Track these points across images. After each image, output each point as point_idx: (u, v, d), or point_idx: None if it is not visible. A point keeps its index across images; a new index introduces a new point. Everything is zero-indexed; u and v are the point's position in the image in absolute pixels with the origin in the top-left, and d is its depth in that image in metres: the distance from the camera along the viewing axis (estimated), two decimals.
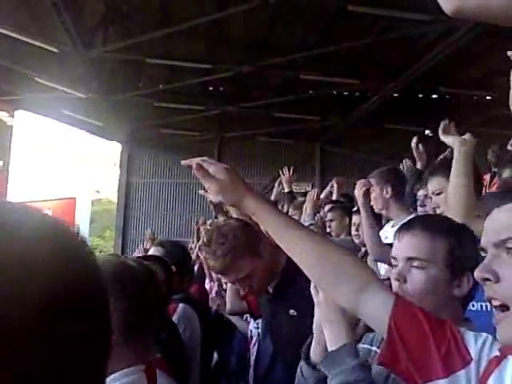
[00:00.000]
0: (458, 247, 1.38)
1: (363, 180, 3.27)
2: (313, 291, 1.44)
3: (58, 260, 0.50)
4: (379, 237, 3.04)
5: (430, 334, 1.09)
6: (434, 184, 2.58)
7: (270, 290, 2.30)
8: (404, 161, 5.11)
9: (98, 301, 0.54)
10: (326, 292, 1.34)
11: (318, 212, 4.39)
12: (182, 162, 1.41)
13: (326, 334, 1.40)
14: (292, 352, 1.70)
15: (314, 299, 1.44)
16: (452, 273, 1.37)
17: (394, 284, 1.41)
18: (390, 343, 1.12)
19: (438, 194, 2.51)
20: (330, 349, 1.37)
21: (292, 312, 2.11)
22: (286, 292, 2.19)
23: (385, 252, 2.23)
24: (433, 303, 1.34)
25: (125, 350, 1.33)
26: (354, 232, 3.89)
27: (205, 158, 1.44)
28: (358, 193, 3.16)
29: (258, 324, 3.26)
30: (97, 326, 0.53)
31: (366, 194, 3.19)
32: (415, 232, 1.41)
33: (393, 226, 3.31)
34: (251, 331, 3.40)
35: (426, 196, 3.20)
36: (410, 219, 1.64)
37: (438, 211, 2.52)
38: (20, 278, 0.46)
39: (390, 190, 3.31)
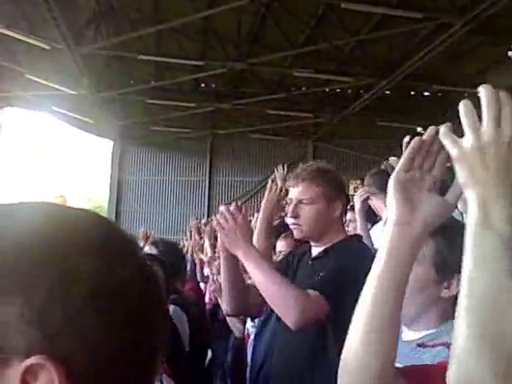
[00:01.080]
0: (446, 248, 1.34)
1: (366, 188, 3.39)
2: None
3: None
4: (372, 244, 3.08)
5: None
6: None
7: (314, 253, 2.30)
8: (386, 162, 5.16)
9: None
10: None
11: None
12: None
13: None
14: None
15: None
16: (440, 274, 1.35)
17: None
18: None
19: None
20: None
21: (321, 274, 2.15)
22: (326, 258, 2.24)
23: None
24: (419, 301, 1.34)
25: None
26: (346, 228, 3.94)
27: None
28: (358, 199, 3.27)
29: (255, 323, 3.26)
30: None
31: (365, 202, 3.30)
32: None
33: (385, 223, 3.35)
34: (248, 330, 3.39)
35: None
36: None
37: None
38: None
39: (369, 192, 3.48)
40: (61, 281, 0.48)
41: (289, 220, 2.31)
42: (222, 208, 2.04)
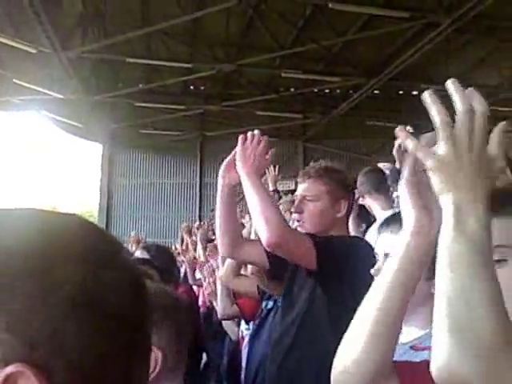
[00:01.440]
0: (436, 246, 1.36)
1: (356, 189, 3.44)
2: None
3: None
4: None
5: None
6: None
7: None
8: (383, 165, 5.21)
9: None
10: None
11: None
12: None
13: None
14: None
15: None
16: (429, 270, 1.35)
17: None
18: None
19: None
20: None
21: None
22: None
23: None
24: (411, 300, 1.35)
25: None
26: None
27: None
28: None
29: (249, 325, 3.26)
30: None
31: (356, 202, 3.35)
32: (394, 229, 1.38)
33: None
34: (242, 332, 3.39)
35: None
36: (391, 215, 1.63)
37: None
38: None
39: (362, 191, 3.46)
40: (40, 289, 0.47)
41: (293, 215, 2.32)
42: (255, 131, 2.07)
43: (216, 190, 2.20)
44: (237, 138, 2.07)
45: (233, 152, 2.11)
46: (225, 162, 2.15)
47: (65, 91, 11.17)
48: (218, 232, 2.27)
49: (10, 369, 0.45)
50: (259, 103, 12.71)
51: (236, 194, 2.24)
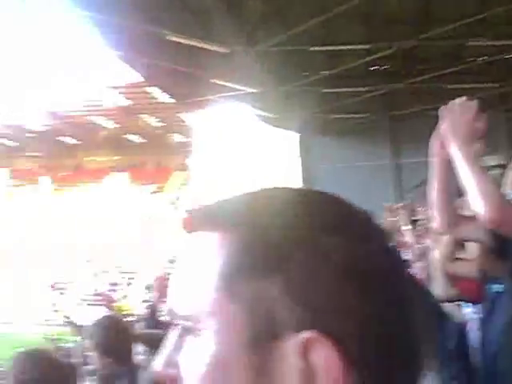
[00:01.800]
0: None
1: None
2: None
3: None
4: None
5: None
6: None
7: None
8: None
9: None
10: None
11: None
12: None
13: None
14: None
15: None
16: None
17: None
18: None
19: None
20: None
21: None
22: None
23: None
24: None
25: None
26: None
27: None
28: None
29: (475, 308, 3.11)
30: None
31: None
32: None
33: None
34: (467, 315, 3.25)
35: None
36: None
37: None
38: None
39: None
40: (311, 258, 0.48)
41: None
42: (461, 98, 1.94)
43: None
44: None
45: (439, 127, 1.95)
46: (434, 139, 2.01)
47: (257, 85, 11.98)
48: (435, 209, 2.12)
49: (306, 334, 0.46)
50: (446, 76, 12.15)
51: (452, 169, 2.02)
